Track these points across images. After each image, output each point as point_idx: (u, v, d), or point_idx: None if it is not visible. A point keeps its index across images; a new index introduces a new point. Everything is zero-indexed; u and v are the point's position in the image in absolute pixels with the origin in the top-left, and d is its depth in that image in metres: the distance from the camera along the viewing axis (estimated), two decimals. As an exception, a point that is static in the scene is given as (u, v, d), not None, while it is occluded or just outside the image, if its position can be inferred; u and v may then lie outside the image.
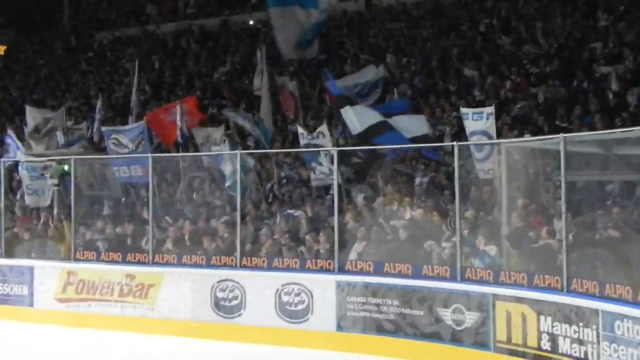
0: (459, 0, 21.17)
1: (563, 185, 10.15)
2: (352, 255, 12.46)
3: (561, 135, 10.41)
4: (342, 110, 14.56)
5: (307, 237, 13.01)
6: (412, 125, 14.00)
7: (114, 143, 16.68)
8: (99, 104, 20.05)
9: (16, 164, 17.51)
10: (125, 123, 18.82)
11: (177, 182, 16.16)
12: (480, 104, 15.90)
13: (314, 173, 14.21)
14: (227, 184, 14.66)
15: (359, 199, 13.81)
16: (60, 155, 16.98)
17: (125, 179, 15.99)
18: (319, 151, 14.10)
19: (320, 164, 13.77)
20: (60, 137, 18.71)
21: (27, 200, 16.64)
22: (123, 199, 16.47)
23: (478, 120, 12.55)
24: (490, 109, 12.60)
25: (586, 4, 18.09)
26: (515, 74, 16.62)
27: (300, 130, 15.04)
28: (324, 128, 14.74)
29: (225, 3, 26.67)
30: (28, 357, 12.60)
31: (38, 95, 25.69)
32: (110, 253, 14.34)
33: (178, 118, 16.90)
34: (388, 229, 12.59)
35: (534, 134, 13.63)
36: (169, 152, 17.37)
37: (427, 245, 11.85)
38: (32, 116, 19.41)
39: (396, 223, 12.55)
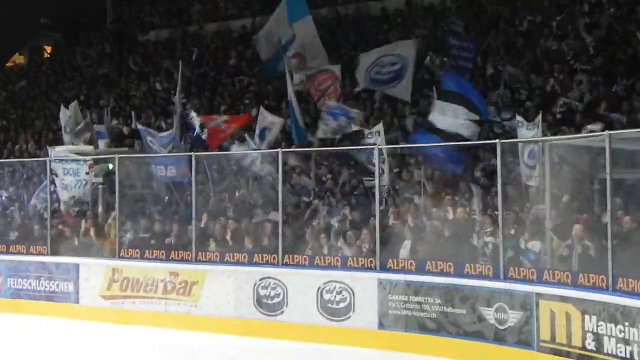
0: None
1: (609, 182, 10.03)
2: (403, 254, 12.37)
3: (606, 132, 10.28)
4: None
5: (350, 233, 13.01)
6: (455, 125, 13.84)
7: (150, 142, 16.86)
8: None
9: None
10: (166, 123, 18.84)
11: (218, 181, 16.26)
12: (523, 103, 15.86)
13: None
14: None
15: (403, 197, 13.76)
16: (105, 154, 17.20)
17: (162, 178, 16.12)
18: (364, 149, 13.97)
19: (374, 164, 13.64)
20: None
21: (60, 194, 16.75)
22: (167, 198, 16.64)
23: (530, 130, 12.63)
24: (538, 118, 12.74)
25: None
26: (558, 71, 16.40)
27: (355, 128, 15.00)
28: (379, 127, 14.59)
29: (266, 3, 26.78)
30: (73, 353, 12.82)
31: (83, 95, 25.99)
32: (154, 251, 14.51)
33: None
34: (430, 227, 12.55)
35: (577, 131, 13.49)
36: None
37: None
38: (63, 114, 19.65)
39: (439, 221, 12.50)
